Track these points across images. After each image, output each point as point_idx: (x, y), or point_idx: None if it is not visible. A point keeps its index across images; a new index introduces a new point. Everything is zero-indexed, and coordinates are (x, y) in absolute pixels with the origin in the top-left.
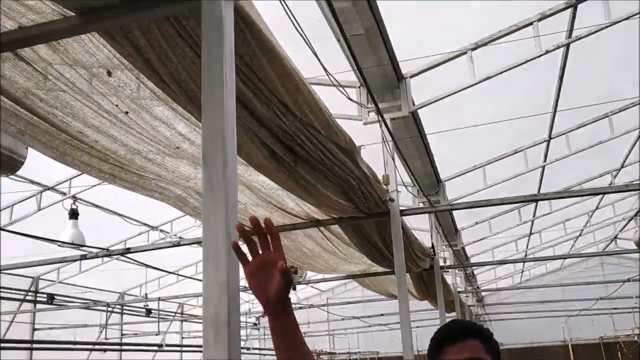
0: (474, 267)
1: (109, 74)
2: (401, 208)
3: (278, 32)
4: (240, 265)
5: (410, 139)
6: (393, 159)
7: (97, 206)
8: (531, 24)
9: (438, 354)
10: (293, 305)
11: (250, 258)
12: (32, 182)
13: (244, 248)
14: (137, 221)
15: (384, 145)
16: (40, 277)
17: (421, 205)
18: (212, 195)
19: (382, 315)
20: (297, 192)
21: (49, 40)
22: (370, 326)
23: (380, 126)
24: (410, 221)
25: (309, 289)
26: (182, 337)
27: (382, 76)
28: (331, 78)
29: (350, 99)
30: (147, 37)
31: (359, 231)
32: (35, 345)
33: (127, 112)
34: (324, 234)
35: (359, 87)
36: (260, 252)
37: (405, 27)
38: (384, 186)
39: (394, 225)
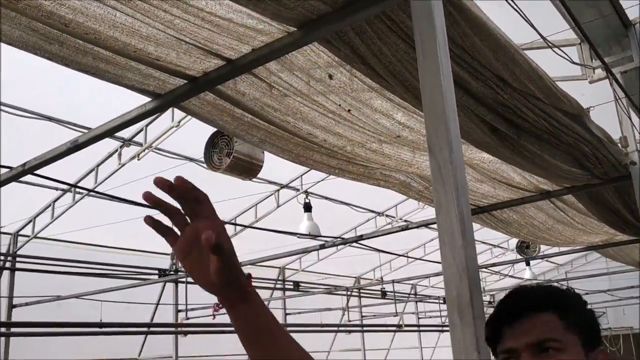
0: None
1: (330, 77)
2: None
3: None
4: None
5: None
6: (629, 116)
7: (326, 198)
8: None
9: (494, 340)
10: (522, 281)
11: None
12: (270, 182)
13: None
14: (364, 208)
15: (617, 103)
16: (286, 267)
17: None
18: (442, 182)
19: (632, 287)
20: (523, 165)
21: (277, 57)
22: (620, 300)
23: (611, 83)
24: None
25: (544, 263)
26: (419, 317)
27: (605, 27)
28: (548, 43)
29: (572, 61)
30: (361, 37)
31: (597, 199)
32: (288, 328)
33: (349, 110)
34: (556, 205)
35: (580, 44)
36: (189, 221)
37: None
38: (622, 148)
39: (638, 189)
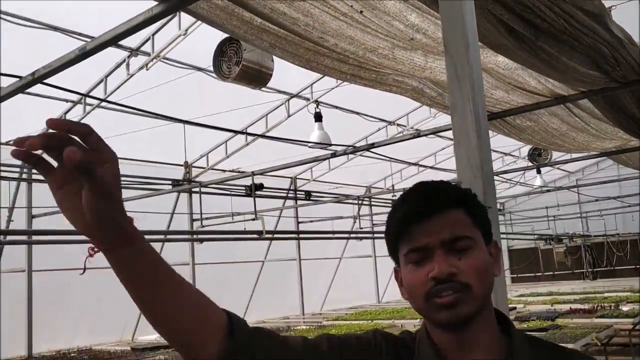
0: None
1: None
2: None
3: None
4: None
5: None
6: None
7: (337, 107)
8: None
9: (400, 239)
10: (533, 188)
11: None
12: (280, 91)
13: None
14: (375, 117)
15: None
16: (297, 176)
17: None
18: (458, 82)
19: None
20: (539, 68)
21: None
22: (629, 206)
23: None
24: None
25: (555, 171)
26: None
27: None
28: None
29: None
30: None
31: (613, 103)
32: (301, 236)
33: (361, 11)
34: (572, 110)
35: None
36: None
37: None
38: None
39: None
